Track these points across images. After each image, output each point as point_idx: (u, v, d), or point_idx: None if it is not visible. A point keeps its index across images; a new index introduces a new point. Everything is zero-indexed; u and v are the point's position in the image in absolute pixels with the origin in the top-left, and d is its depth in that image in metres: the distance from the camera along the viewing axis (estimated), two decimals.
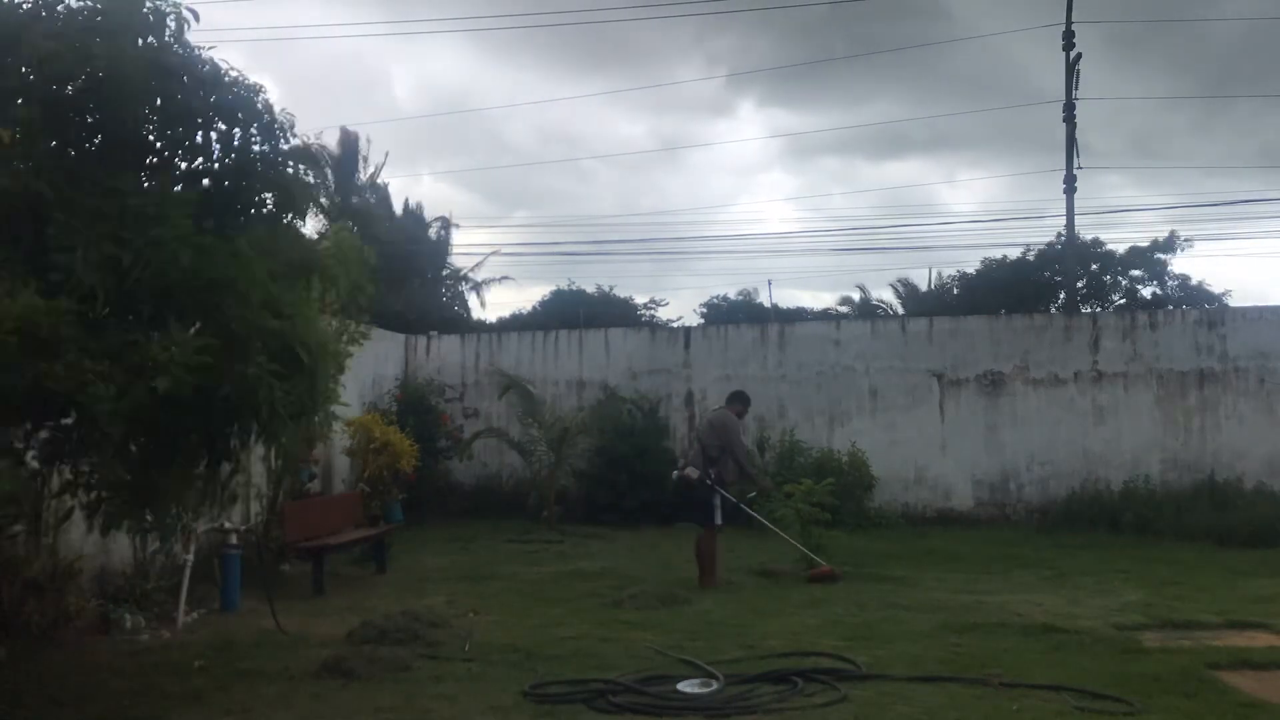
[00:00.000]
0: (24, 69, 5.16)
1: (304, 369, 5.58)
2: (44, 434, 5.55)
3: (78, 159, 5.45)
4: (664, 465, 16.70)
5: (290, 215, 6.03)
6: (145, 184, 5.43)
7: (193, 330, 5.48)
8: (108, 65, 5.11)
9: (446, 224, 28.10)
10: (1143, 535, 14.03)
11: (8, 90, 5.30)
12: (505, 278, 28.69)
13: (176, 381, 4.82)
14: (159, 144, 5.73)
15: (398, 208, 27.83)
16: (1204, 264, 65.23)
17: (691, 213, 66.35)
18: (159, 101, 5.39)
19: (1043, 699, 6.36)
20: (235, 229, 5.74)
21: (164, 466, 5.69)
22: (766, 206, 61.16)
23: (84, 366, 4.74)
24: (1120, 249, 26.04)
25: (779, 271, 55.43)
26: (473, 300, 28.69)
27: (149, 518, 5.88)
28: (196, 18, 5.65)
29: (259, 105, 5.71)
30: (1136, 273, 26.11)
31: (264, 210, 5.91)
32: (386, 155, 27.31)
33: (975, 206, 56.09)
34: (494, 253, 28.36)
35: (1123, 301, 25.59)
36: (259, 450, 7.05)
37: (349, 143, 26.59)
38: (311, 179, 6.01)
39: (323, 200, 6.30)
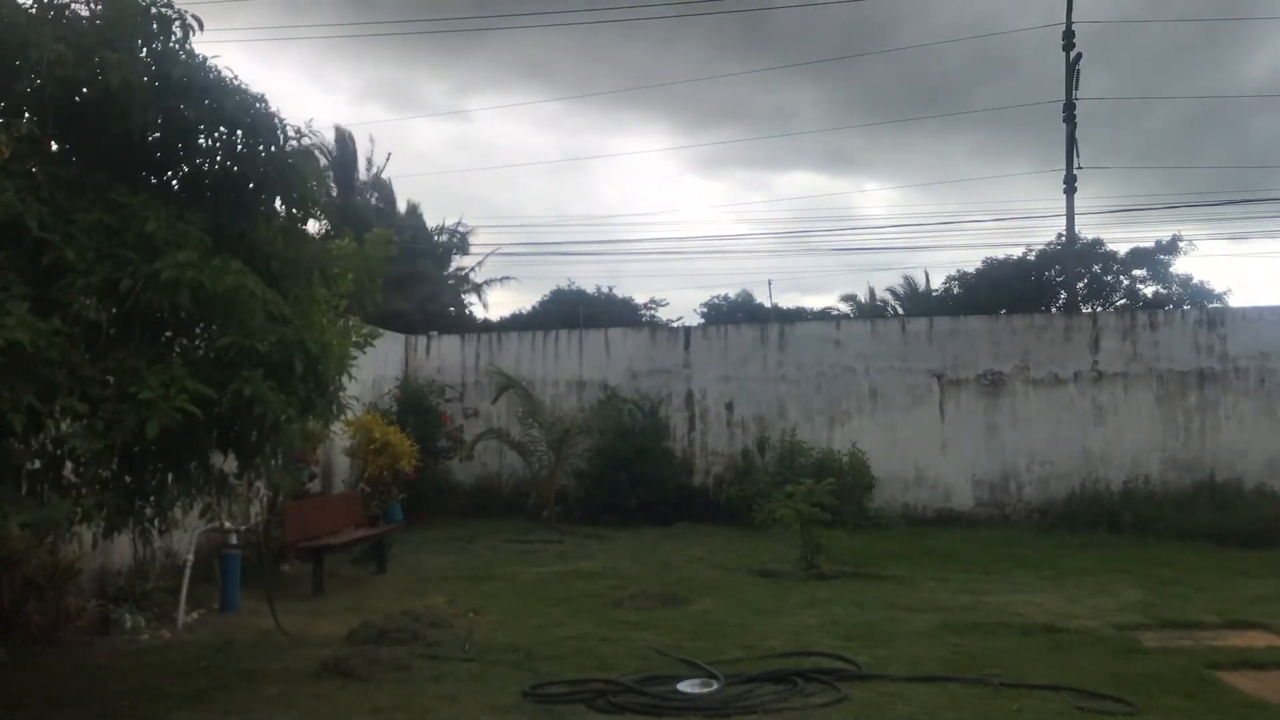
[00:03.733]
0: (32, 75, 5.17)
1: (307, 371, 5.59)
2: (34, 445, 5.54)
3: (80, 166, 5.46)
4: (664, 465, 16.77)
5: (297, 215, 6.04)
6: (149, 196, 5.42)
7: (195, 342, 5.49)
8: (119, 74, 5.11)
9: (454, 229, 28.12)
10: (1143, 535, 14.03)
11: (18, 95, 5.31)
12: (507, 278, 28.74)
13: (167, 421, 4.82)
14: (162, 152, 5.74)
15: (401, 207, 27.84)
16: (1203, 263, 65.54)
17: (649, 216, 66.46)
18: (164, 108, 5.40)
19: (1043, 699, 6.36)
20: (240, 234, 5.75)
21: (157, 491, 5.71)
22: (746, 209, 61.43)
23: (57, 405, 4.73)
24: (1122, 249, 26.10)
25: (766, 274, 55.52)
26: (473, 300, 28.72)
27: (149, 514, 5.88)
28: (200, 25, 5.67)
29: (262, 111, 5.72)
30: (1139, 272, 26.13)
31: (270, 212, 5.91)
32: (389, 156, 27.32)
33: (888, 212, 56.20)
34: (493, 252, 28.38)
35: (1124, 302, 25.61)
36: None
37: (344, 142, 26.58)
38: (315, 185, 5.98)
39: (320, 200, 6.27)
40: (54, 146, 5.62)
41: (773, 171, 61.90)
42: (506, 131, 65.62)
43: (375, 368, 16.31)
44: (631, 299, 28.17)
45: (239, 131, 5.71)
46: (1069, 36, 20.57)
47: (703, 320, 26.33)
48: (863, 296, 28.90)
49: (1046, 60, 46.21)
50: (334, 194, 23.63)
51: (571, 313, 22.87)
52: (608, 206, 62.69)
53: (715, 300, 28.15)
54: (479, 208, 55.56)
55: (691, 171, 68.11)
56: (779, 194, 59.44)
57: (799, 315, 24.58)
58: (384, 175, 27.27)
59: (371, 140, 38.51)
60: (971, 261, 25.97)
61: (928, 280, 28.49)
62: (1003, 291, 25.18)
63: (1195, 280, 25.60)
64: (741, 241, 60.76)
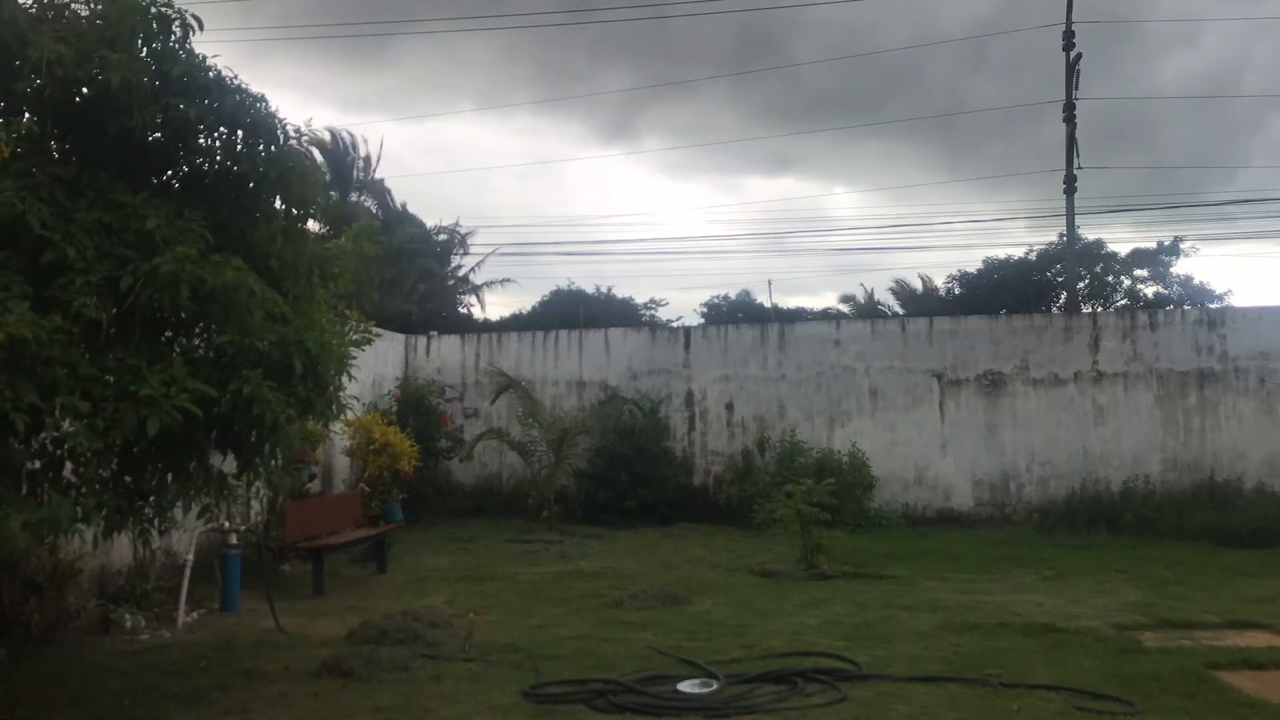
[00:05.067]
0: (32, 74, 5.17)
1: (307, 371, 5.59)
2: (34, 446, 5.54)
3: (80, 166, 5.46)
4: (664, 465, 16.77)
5: (296, 214, 6.04)
6: (149, 195, 5.42)
7: (195, 342, 5.49)
8: (119, 74, 5.11)
9: (453, 229, 28.11)
10: (1142, 535, 14.03)
11: (17, 94, 5.31)
12: (507, 280, 28.73)
13: (168, 419, 4.83)
14: (161, 151, 5.74)
15: (397, 208, 27.79)
16: (1203, 264, 65.79)
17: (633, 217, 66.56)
18: (164, 108, 5.40)
19: (1043, 699, 6.36)
20: (240, 233, 5.75)
21: (157, 491, 5.72)
22: (720, 212, 61.84)
23: (58, 402, 4.74)
24: (1123, 250, 26.12)
25: (745, 275, 55.69)
26: (473, 301, 28.70)
27: (148, 514, 5.89)
28: (200, 25, 5.67)
29: (261, 111, 5.72)
30: (1140, 273, 26.14)
31: (269, 212, 5.91)
32: (381, 144, 27.31)
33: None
34: (492, 253, 28.35)
35: (1124, 302, 25.62)
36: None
37: (339, 141, 26.57)
38: (314, 184, 5.98)
39: (319, 200, 6.26)
40: (54, 146, 5.62)
41: (738, 175, 62.79)
42: (457, 135, 65.93)
43: (375, 368, 16.33)
44: (632, 299, 28.18)
45: (239, 131, 5.70)
46: (1069, 36, 20.57)
47: (703, 320, 26.34)
48: (860, 298, 28.87)
49: (930, 72, 48.04)
50: (333, 194, 23.65)
51: (571, 313, 22.87)
52: (579, 209, 63.30)
53: (715, 300, 28.16)
54: (452, 211, 56.08)
55: (661, 175, 68.76)
56: (747, 196, 60.31)
57: (799, 315, 24.59)
58: (381, 176, 27.29)
59: (365, 140, 38.49)
60: (947, 265, 26.30)
61: (924, 283, 28.44)
62: (1003, 291, 25.19)
63: (1196, 281, 25.66)
64: (730, 243, 60.96)
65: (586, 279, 27.83)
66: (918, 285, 28.18)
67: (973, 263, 27.12)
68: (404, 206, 27.64)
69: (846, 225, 54.63)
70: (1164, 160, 44.16)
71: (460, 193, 59.69)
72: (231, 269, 5.11)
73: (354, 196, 26.39)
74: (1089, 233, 25.58)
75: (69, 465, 5.29)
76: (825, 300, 45.99)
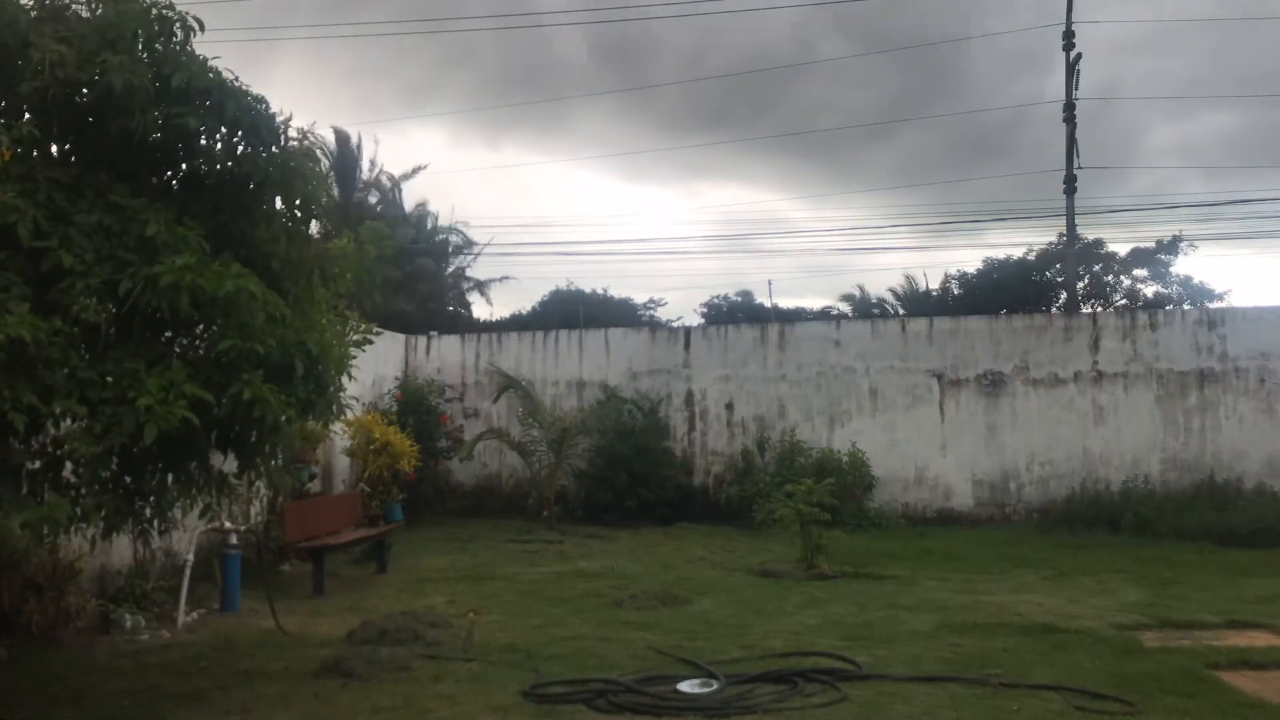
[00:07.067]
0: (34, 75, 5.17)
1: (307, 372, 5.59)
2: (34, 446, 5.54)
3: (81, 168, 5.46)
4: (664, 465, 16.78)
5: (298, 215, 6.04)
6: (149, 198, 5.42)
7: (196, 342, 5.49)
8: (121, 77, 5.11)
9: (454, 229, 28.09)
10: (1143, 535, 14.03)
11: (19, 95, 5.31)
12: (506, 277, 28.72)
13: (165, 425, 4.83)
14: (162, 153, 5.74)
15: (402, 208, 27.77)
16: (1203, 264, 65.80)
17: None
18: (165, 110, 5.40)
19: (1043, 699, 6.36)
20: (241, 235, 5.75)
21: (157, 492, 5.72)
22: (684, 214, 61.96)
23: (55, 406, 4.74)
24: (1122, 250, 26.13)
25: (766, 274, 55.72)
26: (475, 298, 28.69)
27: (148, 514, 5.89)
28: (202, 27, 5.67)
29: (263, 113, 5.72)
30: (1140, 272, 26.16)
31: (270, 213, 5.92)
32: (377, 143, 27.30)
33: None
34: (480, 252, 28.27)
35: (1124, 302, 25.64)
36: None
37: (344, 141, 26.56)
38: (315, 185, 5.98)
39: (324, 199, 6.27)
40: (54, 148, 5.62)
41: (698, 179, 63.25)
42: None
43: (375, 368, 16.32)
44: (631, 299, 28.22)
45: (239, 132, 5.71)
46: (1069, 36, 20.59)
47: (703, 320, 26.36)
48: (858, 296, 28.84)
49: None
50: (335, 194, 23.62)
51: (571, 313, 22.89)
52: (533, 211, 63.59)
53: (715, 300, 28.19)
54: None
55: (620, 179, 69.01)
56: (705, 200, 60.86)
57: (799, 315, 24.59)
58: (384, 176, 27.27)
59: (377, 141, 38.53)
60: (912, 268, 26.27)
61: (912, 284, 28.44)
62: (1002, 291, 25.21)
63: (1195, 280, 25.68)
64: (702, 245, 61.07)
65: (562, 279, 27.95)
66: (915, 287, 28.17)
67: (938, 266, 27.16)
68: (396, 195, 27.52)
69: (810, 229, 54.98)
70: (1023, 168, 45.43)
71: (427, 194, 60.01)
72: (232, 278, 5.10)
73: (363, 195, 26.38)
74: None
75: (69, 465, 5.29)
76: (808, 300, 46.24)
